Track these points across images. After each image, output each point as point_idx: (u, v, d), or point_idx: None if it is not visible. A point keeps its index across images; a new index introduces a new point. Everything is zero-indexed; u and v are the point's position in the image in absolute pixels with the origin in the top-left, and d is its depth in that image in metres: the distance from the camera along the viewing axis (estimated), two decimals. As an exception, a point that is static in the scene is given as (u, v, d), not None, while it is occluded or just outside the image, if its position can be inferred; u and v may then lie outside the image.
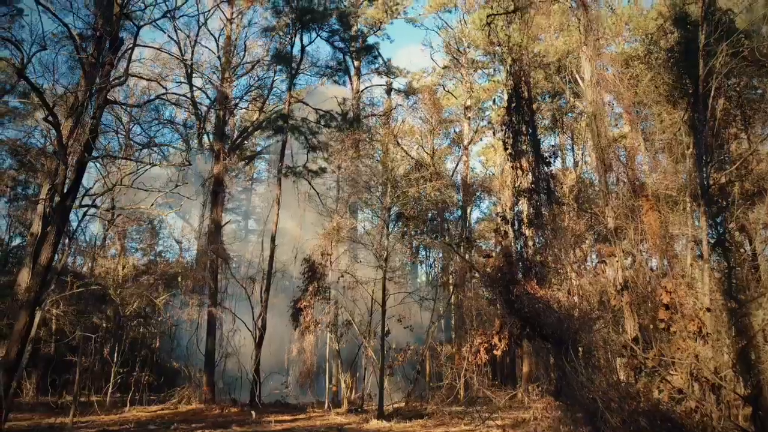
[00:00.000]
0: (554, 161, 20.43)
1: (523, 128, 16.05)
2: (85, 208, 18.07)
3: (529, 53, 19.05)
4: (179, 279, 26.57)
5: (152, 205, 19.20)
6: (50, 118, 15.38)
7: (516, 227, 15.29)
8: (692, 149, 16.42)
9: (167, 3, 20.49)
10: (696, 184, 16.43)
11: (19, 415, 17.98)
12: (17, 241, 27.55)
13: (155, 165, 17.77)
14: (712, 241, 17.39)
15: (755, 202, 18.31)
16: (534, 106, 19.94)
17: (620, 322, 14.33)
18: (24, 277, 16.94)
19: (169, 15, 20.95)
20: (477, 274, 22.04)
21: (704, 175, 16.12)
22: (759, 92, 18.88)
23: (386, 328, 20.70)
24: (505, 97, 23.49)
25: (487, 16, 17.44)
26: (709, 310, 13.63)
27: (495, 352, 14.21)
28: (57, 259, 17.54)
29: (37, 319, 14.07)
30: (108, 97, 17.40)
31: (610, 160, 16.57)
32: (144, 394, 22.58)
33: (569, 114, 32.20)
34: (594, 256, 19.68)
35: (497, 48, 20.22)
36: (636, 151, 22.38)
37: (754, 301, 14.85)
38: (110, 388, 21.72)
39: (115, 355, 21.87)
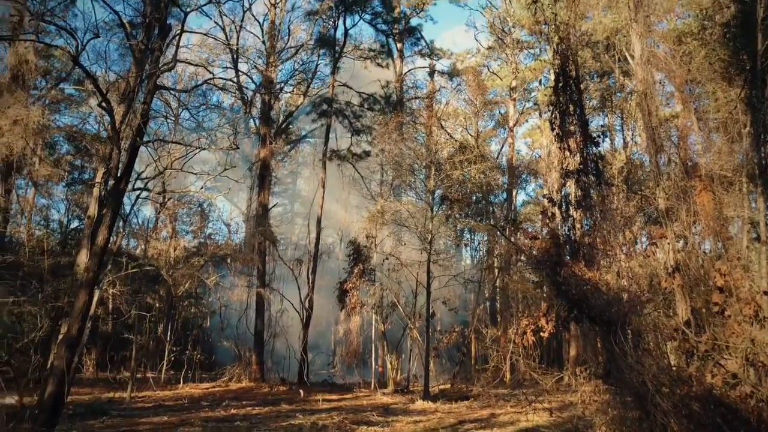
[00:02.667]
0: (603, 142, 20.00)
1: (571, 108, 15.71)
2: (138, 192, 18.66)
3: (577, 31, 18.60)
4: (228, 260, 27.21)
5: (201, 188, 19.66)
6: (104, 104, 15.88)
7: (563, 209, 15.04)
8: (749, 128, 15.81)
9: (213, -11, 20.90)
10: (753, 163, 15.84)
11: (80, 389, 18.85)
12: (75, 224, 28.68)
13: (204, 149, 18.13)
14: (770, 223, 16.75)
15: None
16: (582, 86, 19.52)
17: (671, 305, 14.03)
18: (82, 258, 17.60)
19: (214, 1, 21.31)
20: (523, 257, 21.85)
21: (762, 154, 15.53)
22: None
23: (431, 311, 20.78)
24: (552, 77, 23.07)
25: (534, -6, 17.07)
26: (766, 293, 13.21)
27: (542, 334, 14.10)
28: (113, 240, 18.19)
29: (95, 298, 14.65)
30: (158, 83, 17.86)
31: (661, 141, 16.14)
32: (196, 372, 23.34)
33: (618, 93, 31.39)
34: (644, 239, 19.26)
35: (543, 27, 19.78)
36: (688, 131, 21.71)
37: (813, 285, 14.32)
38: (164, 366, 22.52)
39: (169, 333, 22.63)
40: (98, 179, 15.99)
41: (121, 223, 20.43)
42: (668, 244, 13.99)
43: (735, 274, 13.60)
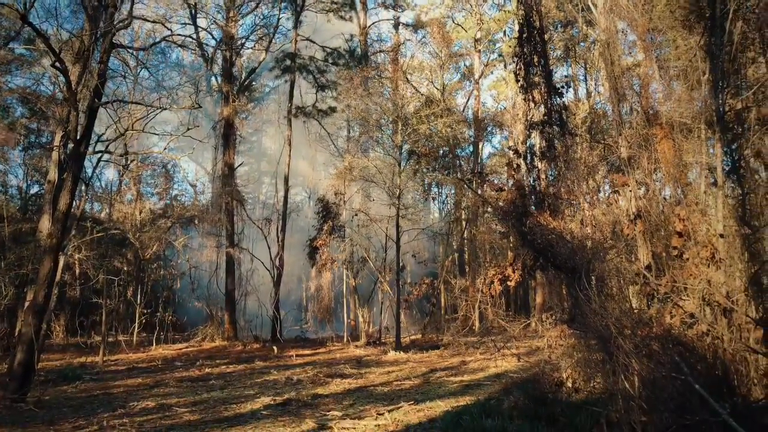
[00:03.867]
0: (567, 92, 20.11)
1: (535, 59, 15.75)
2: (99, 154, 18.23)
3: (541, -20, 18.46)
4: (196, 222, 26.97)
5: (165, 149, 19.29)
6: (57, 65, 15.32)
7: (528, 160, 15.24)
8: (708, 75, 16.05)
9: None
10: (711, 110, 16.16)
11: (51, 356, 18.75)
12: (35, 189, 27.89)
13: (165, 108, 17.71)
14: (727, 168, 17.26)
15: (771, 128, 18.04)
16: (546, 37, 19.50)
17: (633, 250, 14.45)
18: (45, 224, 17.27)
19: (170, -47, 20.49)
20: (490, 208, 22.17)
21: (720, 101, 15.83)
22: (779, 13, 18.26)
23: (401, 264, 21.05)
24: (516, 28, 22.90)
25: (497, -58, 16.83)
26: (722, 236, 13.68)
27: (509, 283, 14.44)
28: (75, 205, 17.82)
29: (61, 264, 14.44)
30: (113, 41, 17.26)
31: (624, 90, 16.32)
32: (168, 333, 23.37)
33: (581, 44, 31.44)
34: (607, 187, 19.65)
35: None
36: (650, 80, 21.93)
37: (767, 227, 14.90)
38: (136, 328, 22.47)
39: (139, 296, 22.50)
40: (57, 143, 15.57)
41: (83, 187, 20.02)
42: (630, 191, 14.34)
43: (693, 219, 14.06)
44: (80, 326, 21.84)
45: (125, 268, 23.16)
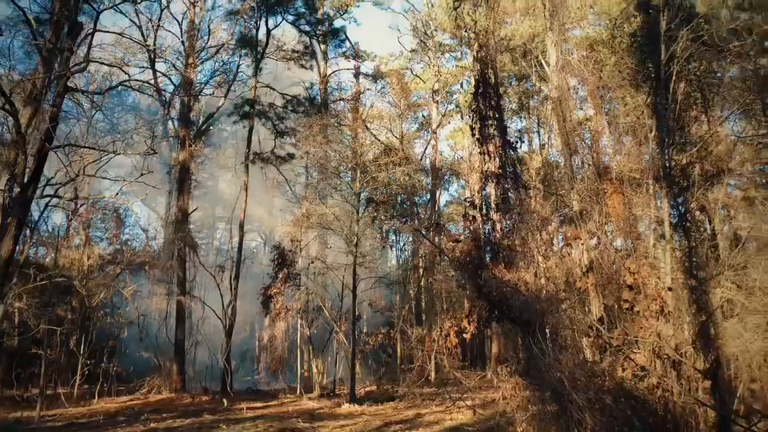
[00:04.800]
0: (521, 145, 20.68)
1: (490, 113, 16.16)
2: (48, 199, 17.69)
3: (496, 38, 19.12)
4: (146, 268, 26.21)
5: (117, 194, 18.84)
6: (7, 106, 14.95)
7: (484, 212, 15.45)
8: (655, 132, 16.76)
9: (128, -14, 20.08)
10: (658, 165, 16.80)
11: (-17, 410, 17.65)
12: (-24, 233, 26.67)
13: (119, 154, 17.40)
14: (674, 222, 17.85)
15: (714, 182, 18.81)
16: (501, 90, 20.06)
17: (586, 302, 14.65)
18: (-16, 271, 16.50)
19: (130, 0, 20.50)
20: (446, 259, 22.27)
21: (666, 156, 16.49)
22: (718, 76, 19.32)
23: (357, 313, 20.81)
24: (473, 81, 23.53)
25: (454, 2, 17.43)
26: (670, 289, 14.03)
27: (465, 335, 14.42)
28: (18, 250, 17.14)
29: (0, 313, 13.76)
30: (68, 84, 16.97)
31: (576, 145, 16.84)
32: (113, 385, 22.33)
33: (535, 97, 32.50)
34: (560, 238, 20.03)
35: (464, 33, 20.21)
36: (601, 134, 22.75)
37: (712, 279, 15.33)
38: (77, 380, 21.40)
39: (82, 346, 21.52)
40: (1, 186, 15.00)
41: (28, 232, 19.32)
42: (582, 244, 14.62)
43: (643, 272, 14.39)
44: (17, 378, 20.67)
45: (69, 316, 22.20)
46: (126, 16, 25.86)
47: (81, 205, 23.34)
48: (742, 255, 15.52)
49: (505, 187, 15.93)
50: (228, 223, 29.77)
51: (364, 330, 23.20)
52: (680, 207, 19.33)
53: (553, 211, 19.33)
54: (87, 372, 21.74)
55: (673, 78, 15.87)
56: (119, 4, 19.24)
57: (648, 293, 14.03)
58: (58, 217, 29.88)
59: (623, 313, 14.04)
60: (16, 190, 15.08)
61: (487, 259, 14.36)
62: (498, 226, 15.87)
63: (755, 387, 14.00)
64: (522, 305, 12.94)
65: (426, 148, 36.57)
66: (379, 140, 32.35)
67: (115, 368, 22.50)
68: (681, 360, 13.12)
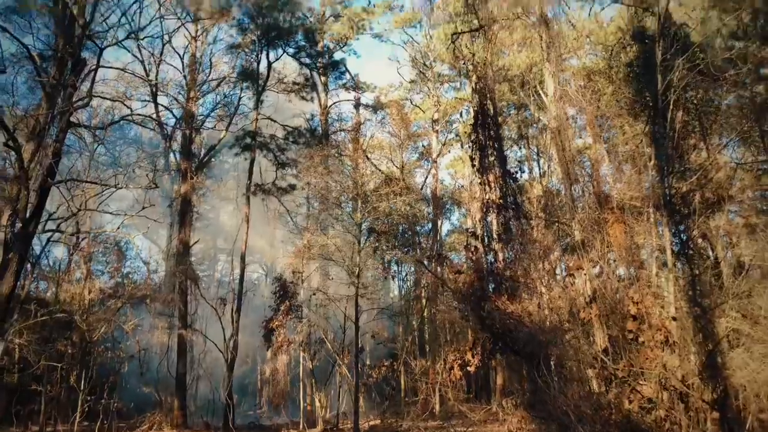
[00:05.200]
0: (521, 175, 20.72)
1: (490, 144, 16.25)
2: (49, 233, 17.68)
3: (494, 68, 19.34)
4: (147, 302, 26.10)
5: (118, 228, 18.85)
6: (11, 143, 15.02)
7: (486, 242, 15.43)
8: (654, 160, 16.83)
9: (131, 23, 20.37)
10: (659, 193, 16.83)
11: (-18, 449, 17.38)
12: (-23, 268, 26.59)
13: (121, 188, 17.46)
14: (677, 250, 17.80)
15: (715, 210, 18.80)
16: (500, 119, 20.21)
17: (590, 333, 14.53)
18: (-15, 307, 16.41)
19: (133, 35, 20.76)
20: (449, 289, 22.17)
21: (666, 184, 16.52)
22: (715, 103, 19.47)
23: (359, 345, 20.61)
24: (472, 111, 23.65)
25: (452, 35, 17.66)
26: (674, 319, 13.92)
27: (469, 368, 14.28)
28: (19, 285, 17.07)
29: (0, 350, 13.65)
30: (71, 119, 17.08)
31: (576, 174, 16.89)
32: (113, 422, 22.03)
33: (534, 126, 32.68)
34: (563, 267, 19.96)
35: (462, 64, 20.44)
36: (600, 163, 22.84)
37: (717, 308, 15.21)
38: (78, 417, 21.12)
39: (82, 382, 21.29)
40: (3, 222, 15.00)
41: (29, 267, 19.28)
42: (585, 274, 14.56)
43: (646, 301, 14.30)
44: (16, 415, 20.41)
45: (69, 351, 22.02)
46: (129, 51, 26.19)
47: (82, 239, 23.35)
48: (746, 283, 15.42)
49: (507, 217, 15.94)
50: (229, 255, 29.71)
51: (367, 362, 22.96)
52: (682, 235, 19.32)
53: (555, 240, 19.31)
54: (87, 408, 21.47)
55: (671, 107, 15.99)
56: (122, 40, 19.49)
57: (652, 323, 13.93)
58: (59, 251, 29.89)
59: (628, 343, 13.91)
60: (18, 225, 15.06)
61: (490, 289, 14.29)
62: (500, 256, 15.84)
63: (764, 417, 13.78)
64: (526, 337, 12.84)
65: (427, 177, 36.68)
66: (380, 170, 32.48)
67: (115, 404, 22.21)
68: (688, 392, 12.96)
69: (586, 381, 14.05)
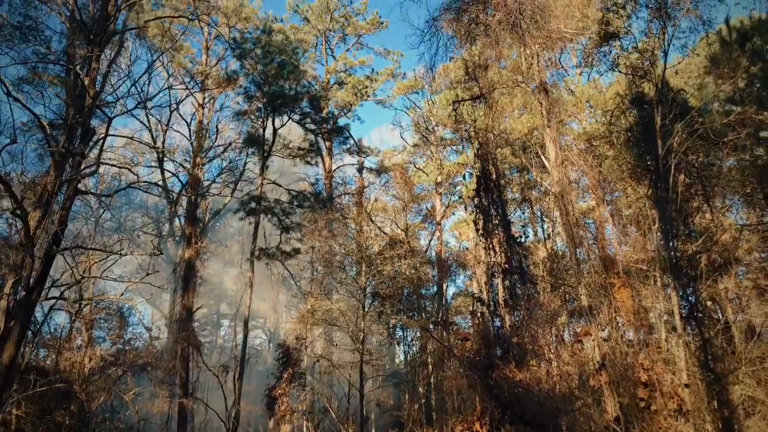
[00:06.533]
0: (525, 238, 20.62)
1: (493, 208, 16.30)
2: (52, 301, 17.54)
3: (495, 133, 19.63)
4: (149, 369, 25.68)
5: (122, 294, 18.72)
6: (18, 210, 15.12)
7: (492, 308, 15.25)
8: (658, 223, 16.84)
9: (140, 93, 20.91)
10: (664, 256, 16.74)
11: None
12: (-22, 336, 26.24)
13: (125, 254, 17.45)
14: (685, 314, 17.56)
15: (722, 272, 18.64)
16: (502, 182, 20.34)
17: (601, 401, 14.16)
18: (-16, 377, 16.13)
19: (141, 105, 21.28)
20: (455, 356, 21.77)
21: (672, 247, 16.47)
22: (716, 167, 19.63)
23: (365, 414, 20.11)
24: (474, 176, 23.85)
25: (453, 102, 18.03)
26: (687, 386, 13.59)
27: (476, 439, 13.85)
28: (20, 354, 16.81)
29: (-4, 423, 13.32)
30: (78, 186, 17.26)
31: (580, 237, 16.86)
32: (110, 496, 21.30)
33: (537, 188, 32.90)
34: (570, 332, 19.65)
35: (464, 130, 20.78)
36: (604, 225, 22.85)
37: (731, 374, 14.87)
38: (73, 493, 20.43)
39: (79, 455, 20.70)
40: (7, 290, 14.91)
41: (30, 335, 19.08)
42: (593, 340, 14.31)
43: (657, 368, 14.00)
44: (11, 490, 19.71)
45: (67, 422, 21.46)
46: (137, 119, 26.81)
47: (85, 306, 23.18)
48: (759, 348, 15.13)
49: (512, 281, 15.81)
50: (232, 321, 29.39)
51: (373, 431, 22.30)
52: (690, 298, 19.09)
53: (562, 304, 19.09)
54: (83, 484, 20.79)
55: (672, 170, 16.12)
56: (132, 110, 19.92)
57: (664, 390, 13.59)
58: (61, 318, 29.66)
59: (640, 411, 13.53)
60: (22, 293, 14.98)
61: (497, 358, 14.02)
62: (507, 322, 15.62)
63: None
64: (535, 406, 12.50)
65: (431, 239, 36.71)
66: (384, 233, 32.54)
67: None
68: (705, 464, 12.51)
69: (598, 453, 13.60)
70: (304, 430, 23.65)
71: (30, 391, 16.45)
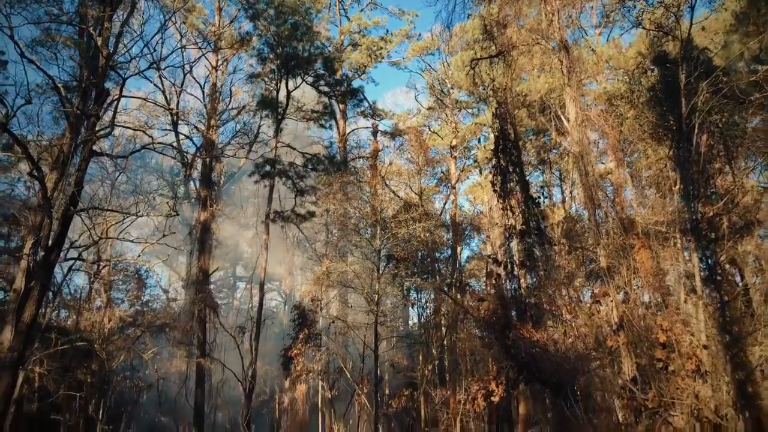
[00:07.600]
0: (543, 200, 20.45)
1: (511, 168, 16.07)
2: (71, 262, 17.72)
3: (513, 94, 19.25)
4: (167, 330, 26.06)
5: (139, 255, 18.87)
6: (35, 172, 15.16)
7: (508, 269, 15.15)
8: (679, 184, 16.53)
9: (153, 54, 20.66)
10: (684, 218, 16.48)
11: (0, 479, 17.21)
12: (-1, 297, 26.80)
13: (141, 216, 17.51)
14: (705, 276, 17.36)
15: (744, 234, 18.35)
16: (519, 144, 20.04)
17: (617, 362, 14.13)
18: (6, 336, 16.39)
19: (155, 65, 21.04)
20: (470, 317, 21.83)
21: (692, 209, 16.20)
22: (741, 127, 19.14)
23: (379, 374, 20.30)
24: (490, 136, 23.52)
25: (471, 60, 17.65)
26: (705, 347, 13.50)
27: (493, 398, 13.92)
28: (41, 314, 17.09)
29: (20, 380, 13.59)
30: (94, 148, 17.24)
31: (599, 199, 16.60)
32: (132, 450, 21.87)
33: (554, 150, 32.43)
34: (587, 293, 19.53)
35: (481, 90, 20.40)
36: (623, 187, 22.50)
37: (749, 336, 14.75)
38: (96, 446, 21.00)
39: (101, 411, 21.18)
40: (26, 250, 15.05)
41: (50, 295, 19.33)
42: (611, 301, 14.21)
43: (676, 329, 13.89)
44: (36, 445, 20.32)
45: (88, 380, 21.93)
46: (150, 81, 26.62)
47: (103, 267, 23.43)
48: (778, 310, 14.96)
49: (530, 243, 15.66)
50: (248, 283, 29.63)
51: (387, 392, 22.55)
52: (709, 260, 18.85)
53: (579, 266, 18.95)
54: (106, 438, 21.34)
55: (695, 130, 15.74)
56: (145, 70, 19.76)
57: (682, 351, 13.50)
58: (80, 279, 30.04)
59: (657, 372, 13.48)
60: (41, 253, 15.10)
61: (514, 318, 13.98)
62: (523, 283, 15.54)
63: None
64: (552, 366, 12.50)
65: (445, 203, 36.48)
66: (399, 196, 32.37)
67: (133, 433, 22.07)
68: (722, 423, 12.48)
69: (613, 411, 13.62)
70: (319, 389, 23.97)
71: (52, 350, 16.74)
